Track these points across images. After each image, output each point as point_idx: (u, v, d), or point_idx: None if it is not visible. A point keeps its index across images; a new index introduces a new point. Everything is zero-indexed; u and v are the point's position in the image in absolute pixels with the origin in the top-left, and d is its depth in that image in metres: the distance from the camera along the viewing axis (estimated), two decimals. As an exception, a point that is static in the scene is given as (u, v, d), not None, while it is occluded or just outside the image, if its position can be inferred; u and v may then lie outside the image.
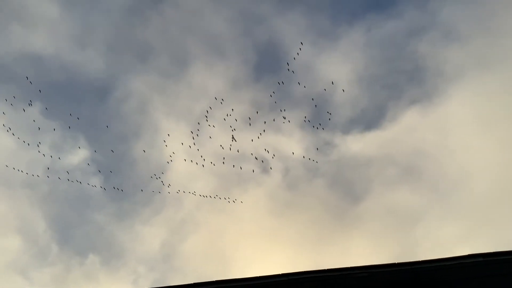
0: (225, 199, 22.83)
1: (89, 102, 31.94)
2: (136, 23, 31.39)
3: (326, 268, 6.31)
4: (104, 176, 24.09)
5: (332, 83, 22.29)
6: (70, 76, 30.55)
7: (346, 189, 32.22)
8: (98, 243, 30.25)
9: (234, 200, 22.87)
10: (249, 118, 21.72)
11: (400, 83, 32.58)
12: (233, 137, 20.95)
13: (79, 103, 31.71)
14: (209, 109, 21.60)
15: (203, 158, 21.78)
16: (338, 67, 31.08)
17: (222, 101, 21.22)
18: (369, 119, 32.94)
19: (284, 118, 21.19)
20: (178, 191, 23.17)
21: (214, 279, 6.71)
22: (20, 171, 21.40)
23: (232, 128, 21.21)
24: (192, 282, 6.76)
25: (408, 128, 30.88)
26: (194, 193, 23.47)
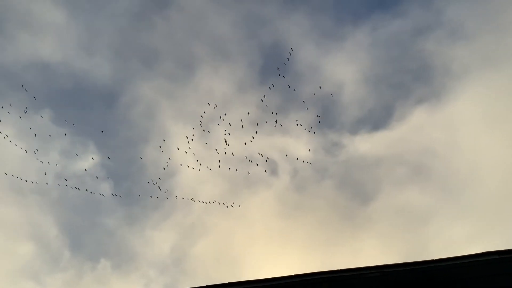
0: (223, 204, 22.89)
1: (97, 108, 32.19)
2: (142, 28, 31.61)
3: (338, 269, 6.30)
4: (114, 181, 24.24)
5: (321, 87, 22.22)
6: (78, 82, 30.82)
7: (355, 189, 32.14)
8: (109, 248, 30.44)
9: (232, 205, 22.90)
10: (257, 124, 21.75)
11: (406, 82, 32.48)
12: (225, 141, 21.01)
13: (88, 109, 31.97)
14: (215, 112, 21.68)
15: (210, 161, 21.83)
16: (343, 67, 31.05)
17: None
18: (377, 119, 32.86)
19: (276, 122, 21.20)
20: (176, 197, 23.24)
21: (226, 281, 6.71)
22: (31, 181, 21.60)
23: (237, 131, 21.26)
24: (205, 285, 6.75)
25: (416, 127, 30.75)
26: (192, 199, 23.55)
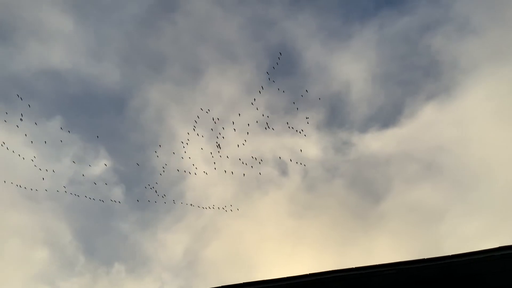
0: (218, 208, 22.98)
1: (107, 113, 32.44)
2: (149, 34, 31.81)
3: (353, 267, 6.25)
4: (126, 185, 24.41)
5: (307, 91, 22.13)
6: (87, 88, 31.11)
7: (366, 188, 31.99)
8: (123, 252, 30.64)
9: (231, 208, 22.94)
10: (266, 124, 21.76)
11: (415, 79, 32.26)
12: (218, 145, 21.04)
13: (98, 115, 32.24)
14: (224, 115, 21.74)
15: (221, 163, 21.88)
16: (351, 66, 30.94)
17: (236, 105, 21.33)
18: (386, 116, 32.70)
19: (267, 125, 21.09)
20: (174, 201, 23.32)
21: (240, 282, 6.70)
22: (45, 189, 21.81)
23: (247, 132, 21.28)
24: (219, 285, 6.74)
25: (426, 123, 30.52)
26: (192, 205, 23.64)
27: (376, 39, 31.78)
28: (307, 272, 6.46)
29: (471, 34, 29.91)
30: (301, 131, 21.69)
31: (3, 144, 20.18)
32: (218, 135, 22.06)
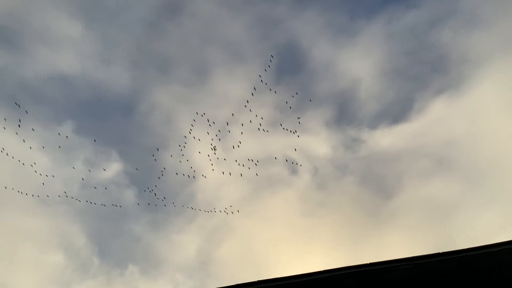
0: (220, 211, 23.07)
1: (117, 117, 32.68)
2: (156, 37, 31.96)
3: (367, 263, 6.21)
4: (138, 188, 24.59)
5: (297, 93, 22.05)
6: (97, 93, 31.35)
7: (377, 184, 31.81)
8: (136, 254, 30.85)
9: (232, 211, 22.99)
10: (281, 125, 21.78)
11: (424, 74, 32.03)
12: (214, 148, 21.08)
13: (108, 118, 32.50)
14: (233, 115, 21.77)
15: (229, 164, 21.93)
16: (359, 62, 30.81)
17: (245, 106, 21.35)
18: (396, 112, 32.47)
19: (260, 125, 21.08)
20: (173, 204, 23.40)
21: (255, 280, 6.68)
22: (58, 195, 22.05)
23: (256, 130, 21.30)
24: (234, 284, 6.73)
25: (436, 118, 30.27)
26: (193, 208, 23.75)
27: (384, 35, 31.60)
28: (321, 269, 6.43)
29: (479, 27, 29.61)
30: (294, 132, 21.63)
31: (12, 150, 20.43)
32: (226, 136, 22.11)
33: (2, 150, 19.71)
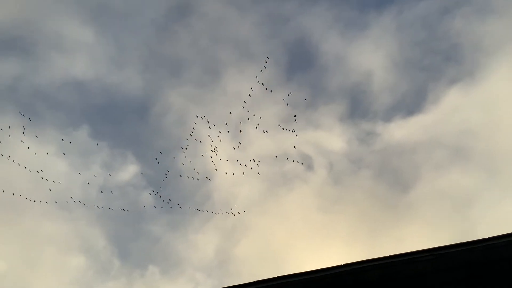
0: (227, 213, 23.14)
1: (131, 120, 33.00)
2: (166, 39, 32.18)
3: (388, 255, 6.17)
4: (155, 189, 24.79)
5: (290, 94, 21.90)
6: (111, 97, 31.70)
7: (394, 177, 31.54)
8: (156, 254, 31.15)
9: (239, 212, 23.02)
10: (295, 119, 21.75)
11: (437, 64, 31.63)
12: (215, 149, 21.12)
13: (123, 121, 32.84)
14: (245, 114, 21.80)
15: (245, 162, 21.96)
16: (371, 55, 30.55)
17: (257, 104, 21.36)
18: (410, 104, 32.15)
19: (259, 125, 20.99)
20: (179, 205, 23.50)
21: (275, 275, 6.66)
22: (78, 201, 22.37)
23: (264, 130, 21.31)
24: (254, 280, 6.73)
25: (451, 108, 29.87)
26: (198, 209, 23.85)
27: (395, 26, 31.27)
28: (341, 263, 6.39)
29: (492, 14, 29.09)
30: (293, 131, 21.57)
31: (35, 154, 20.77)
32: (240, 135, 22.15)
33: (9, 159, 20.05)
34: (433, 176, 29.68)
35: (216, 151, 21.60)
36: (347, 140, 30.63)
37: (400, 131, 30.62)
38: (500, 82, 28.15)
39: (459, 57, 30.77)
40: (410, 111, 32.52)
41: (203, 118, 21.24)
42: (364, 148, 31.22)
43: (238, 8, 31.22)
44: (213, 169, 22.63)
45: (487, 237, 5.90)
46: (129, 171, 28.58)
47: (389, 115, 31.64)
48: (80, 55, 29.86)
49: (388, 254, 6.17)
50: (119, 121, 32.97)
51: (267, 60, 20.76)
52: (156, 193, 22.62)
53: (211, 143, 21.74)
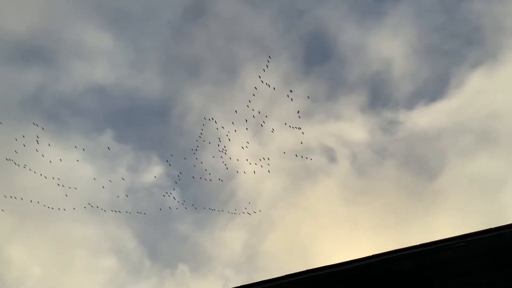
0: (243, 213, 23.21)
1: (153, 121, 33.47)
2: (182, 40, 32.44)
3: (419, 243, 6.14)
4: (180, 189, 25.16)
5: (291, 91, 21.64)
6: (132, 100, 32.21)
7: (419, 165, 31.12)
8: (185, 253, 31.60)
9: (254, 211, 23.06)
10: (310, 113, 21.69)
11: (459, 48, 30.96)
12: (223, 149, 21.11)
13: (145, 124, 33.33)
14: (265, 109, 21.85)
15: (268, 158, 22.03)
16: (390, 43, 30.13)
17: (277, 99, 21.37)
18: (433, 90, 31.63)
19: (264, 122, 20.87)
20: (194, 206, 23.64)
21: (305, 269, 6.69)
22: (105, 208, 22.88)
23: (292, 126, 21.31)
24: (284, 275, 6.77)
25: (475, 92, 29.22)
26: (213, 209, 23.99)
27: (413, 12, 30.74)
28: (371, 254, 6.37)
29: (512, -7, 28.26)
30: (299, 128, 21.43)
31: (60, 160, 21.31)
32: (261, 130, 22.22)
33: (36, 171, 20.57)
34: (460, 162, 29.16)
35: (242, 147, 21.73)
36: (369, 130, 30.35)
37: (424, 118, 30.17)
38: (524, 62, 27.37)
39: (480, 40, 30.05)
40: (433, 97, 31.97)
41: (249, 108, 21.29)
42: (387, 137, 30.88)
43: (251, 5, 31.23)
44: (235, 166, 22.81)
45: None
46: (154, 172, 29.02)
47: (411, 102, 31.21)
48: (100, 60, 30.44)
49: (418, 243, 6.14)
50: (142, 123, 33.51)
51: (269, 59, 20.81)
52: (168, 194, 22.96)
53: (231, 141, 21.89)
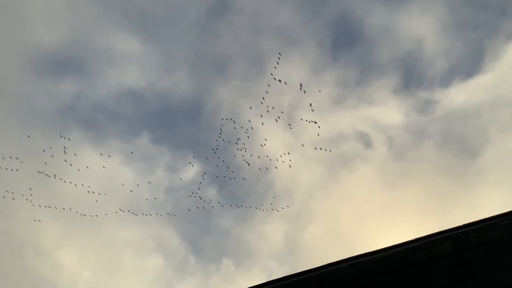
0: (267, 210, 23.11)
1: (186, 120, 34.02)
2: (209, 38, 32.69)
3: (462, 224, 6.00)
4: (218, 185, 25.51)
5: (301, 86, 20.97)
6: (164, 101, 32.83)
7: (459, 144, 30.20)
8: (228, 248, 32.09)
9: (283, 207, 22.87)
10: (340, 100, 21.46)
11: (492, 20, 29.67)
12: (250, 143, 20.90)
13: (179, 124, 33.93)
14: (296, 100, 21.76)
15: (302, 148, 21.95)
16: (419, 21, 29.26)
17: (304, 90, 21.22)
18: (468, 65, 30.52)
19: (279, 118, 20.48)
20: (220, 203, 23.66)
21: (347, 257, 6.66)
22: (137, 214, 23.48)
23: (320, 111, 21.12)
24: (325, 264, 6.75)
25: (513, 63, 27.93)
26: (238, 206, 23.97)
27: (440, -14, 29.62)
28: (412, 238, 6.28)
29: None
30: (315, 122, 21.03)
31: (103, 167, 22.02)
32: (294, 121, 22.15)
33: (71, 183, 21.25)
34: (502, 137, 28.05)
35: (270, 141, 21.75)
36: (404, 112, 29.68)
37: (461, 95, 29.20)
38: None
39: (515, 8, 28.64)
40: (469, 73, 30.86)
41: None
42: (424, 117, 30.10)
43: (274, -5, 31.03)
44: (271, 159, 22.85)
45: None
46: (191, 170, 29.55)
47: (446, 80, 30.23)
48: (130, 65, 31.19)
49: (461, 224, 6.00)
50: (175, 123, 34.13)
51: (279, 56, 20.70)
52: (195, 194, 23.27)
53: (267, 133, 21.94)
